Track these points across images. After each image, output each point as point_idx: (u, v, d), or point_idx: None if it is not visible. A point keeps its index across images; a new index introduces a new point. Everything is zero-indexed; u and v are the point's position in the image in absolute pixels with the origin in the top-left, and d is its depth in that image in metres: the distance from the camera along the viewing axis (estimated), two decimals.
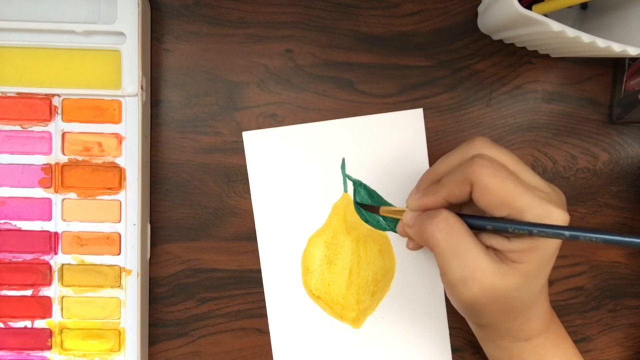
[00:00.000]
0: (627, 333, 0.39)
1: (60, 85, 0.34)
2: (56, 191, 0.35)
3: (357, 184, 0.37)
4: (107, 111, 0.35)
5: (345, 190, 0.37)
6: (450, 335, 0.38)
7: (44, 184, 0.35)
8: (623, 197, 0.38)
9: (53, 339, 0.35)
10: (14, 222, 0.35)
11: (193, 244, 0.37)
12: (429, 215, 0.29)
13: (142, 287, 0.35)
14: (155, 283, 0.38)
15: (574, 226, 0.25)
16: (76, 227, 0.35)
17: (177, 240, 0.37)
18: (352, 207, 0.37)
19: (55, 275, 0.35)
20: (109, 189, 0.35)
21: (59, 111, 0.35)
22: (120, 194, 0.35)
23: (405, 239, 0.36)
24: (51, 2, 0.34)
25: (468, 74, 0.37)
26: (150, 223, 0.37)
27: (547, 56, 0.37)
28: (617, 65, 0.37)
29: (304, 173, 0.37)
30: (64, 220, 0.35)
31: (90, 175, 0.35)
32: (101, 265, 0.35)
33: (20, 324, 0.35)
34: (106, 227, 0.35)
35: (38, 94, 0.35)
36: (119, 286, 0.35)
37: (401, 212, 0.32)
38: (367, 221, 0.37)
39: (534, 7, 0.32)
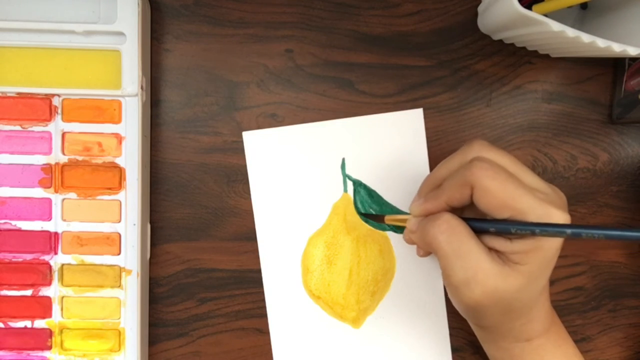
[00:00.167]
0: (627, 333, 0.39)
1: (60, 85, 0.34)
2: (56, 191, 0.35)
3: (357, 184, 0.37)
4: (107, 111, 0.35)
5: (345, 190, 0.37)
6: (450, 335, 0.38)
7: (44, 184, 0.35)
8: (623, 197, 0.38)
9: (53, 339, 0.35)
10: (14, 222, 0.35)
11: (193, 244, 0.37)
12: (430, 218, 0.29)
13: (142, 287, 0.35)
14: (155, 283, 0.38)
15: (576, 224, 0.25)
16: (76, 227, 0.35)
17: (177, 240, 0.37)
18: (352, 207, 0.37)
19: (55, 275, 0.35)
20: (109, 189, 0.35)
21: (59, 111, 0.35)
22: (120, 194, 0.35)
23: (405, 239, 0.36)
24: (51, 2, 0.34)
25: (468, 74, 0.37)
26: (150, 223, 0.37)
27: (547, 56, 0.37)
28: (617, 65, 0.37)
29: (304, 173, 0.37)
30: (64, 220, 0.35)
31: (90, 175, 0.35)
32: (101, 265, 0.35)
33: (20, 324, 0.35)
34: (106, 227, 0.35)
35: (38, 94, 0.35)
36: (119, 286, 0.35)
37: (405, 219, 0.32)
38: (367, 221, 0.37)
39: (534, 7, 0.32)
